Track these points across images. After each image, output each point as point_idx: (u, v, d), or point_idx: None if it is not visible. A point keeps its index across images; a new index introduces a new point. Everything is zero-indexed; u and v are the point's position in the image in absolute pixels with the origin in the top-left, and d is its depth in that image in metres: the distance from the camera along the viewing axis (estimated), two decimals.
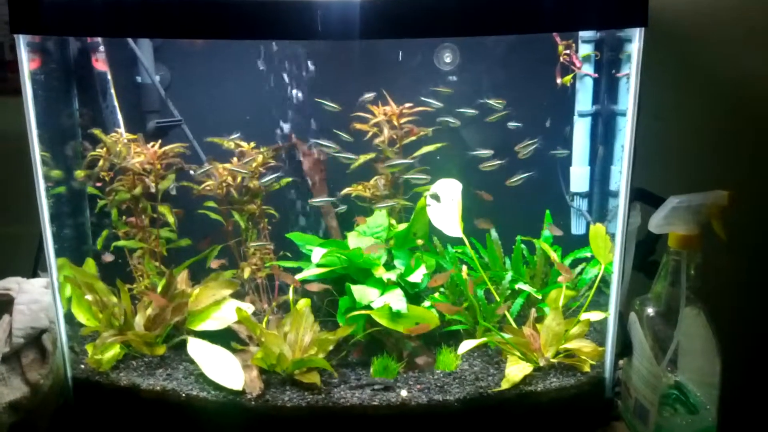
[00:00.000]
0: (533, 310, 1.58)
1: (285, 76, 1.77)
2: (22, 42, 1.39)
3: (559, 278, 1.61)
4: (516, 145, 1.66)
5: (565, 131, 1.78)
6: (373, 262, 1.62)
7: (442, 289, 1.65)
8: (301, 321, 1.54)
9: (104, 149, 1.64)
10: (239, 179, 1.68)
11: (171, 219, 1.68)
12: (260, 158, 1.67)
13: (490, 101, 1.67)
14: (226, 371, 1.47)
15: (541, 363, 1.51)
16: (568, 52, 1.71)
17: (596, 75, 1.74)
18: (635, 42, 1.38)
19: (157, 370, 1.52)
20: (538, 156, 1.69)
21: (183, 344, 1.55)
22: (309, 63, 1.76)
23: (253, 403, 1.42)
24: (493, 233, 1.71)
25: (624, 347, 1.50)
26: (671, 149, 1.86)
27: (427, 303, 1.60)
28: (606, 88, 1.75)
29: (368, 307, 1.54)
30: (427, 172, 1.70)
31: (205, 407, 1.44)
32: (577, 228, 1.83)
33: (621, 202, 1.46)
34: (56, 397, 1.50)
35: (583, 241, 1.68)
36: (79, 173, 1.67)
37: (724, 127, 1.91)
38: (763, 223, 1.90)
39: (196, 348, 1.52)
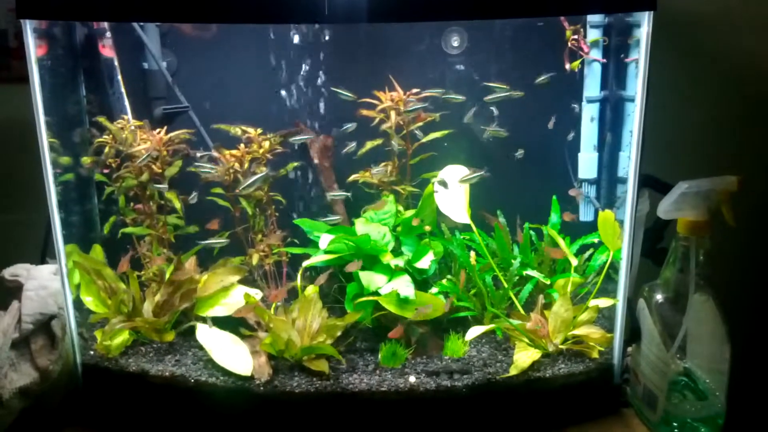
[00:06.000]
0: (541, 296, 1.58)
1: (290, 61, 1.77)
2: (28, 28, 1.38)
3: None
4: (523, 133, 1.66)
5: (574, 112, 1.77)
6: (381, 249, 1.62)
7: (449, 276, 1.65)
8: (310, 307, 1.55)
9: (111, 136, 1.64)
10: (246, 165, 1.68)
11: (178, 205, 1.68)
12: (267, 144, 1.67)
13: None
14: (234, 357, 1.47)
15: (550, 349, 1.51)
16: (576, 37, 1.69)
17: (604, 60, 1.72)
18: (644, 26, 1.37)
19: (165, 356, 1.53)
20: (548, 142, 1.68)
21: (192, 330, 1.55)
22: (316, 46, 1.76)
23: (261, 388, 1.42)
24: (501, 219, 1.70)
25: (632, 334, 1.50)
26: (680, 135, 1.85)
27: (434, 289, 1.60)
28: (614, 73, 1.73)
29: (376, 293, 1.54)
30: (435, 158, 1.70)
31: (213, 393, 1.44)
32: (585, 215, 1.82)
33: (629, 189, 1.45)
34: (65, 383, 1.51)
35: (592, 227, 1.68)
36: (86, 160, 1.67)
37: (734, 113, 1.90)
38: None
39: (205, 334, 1.53)
